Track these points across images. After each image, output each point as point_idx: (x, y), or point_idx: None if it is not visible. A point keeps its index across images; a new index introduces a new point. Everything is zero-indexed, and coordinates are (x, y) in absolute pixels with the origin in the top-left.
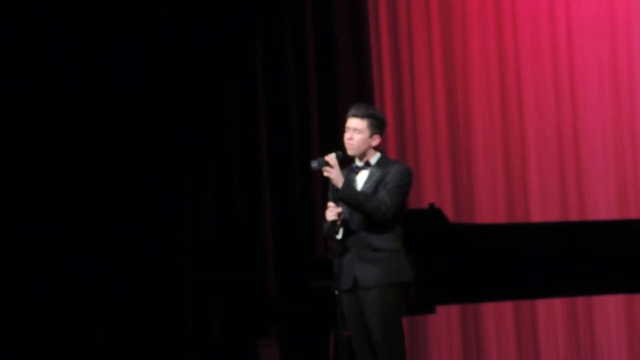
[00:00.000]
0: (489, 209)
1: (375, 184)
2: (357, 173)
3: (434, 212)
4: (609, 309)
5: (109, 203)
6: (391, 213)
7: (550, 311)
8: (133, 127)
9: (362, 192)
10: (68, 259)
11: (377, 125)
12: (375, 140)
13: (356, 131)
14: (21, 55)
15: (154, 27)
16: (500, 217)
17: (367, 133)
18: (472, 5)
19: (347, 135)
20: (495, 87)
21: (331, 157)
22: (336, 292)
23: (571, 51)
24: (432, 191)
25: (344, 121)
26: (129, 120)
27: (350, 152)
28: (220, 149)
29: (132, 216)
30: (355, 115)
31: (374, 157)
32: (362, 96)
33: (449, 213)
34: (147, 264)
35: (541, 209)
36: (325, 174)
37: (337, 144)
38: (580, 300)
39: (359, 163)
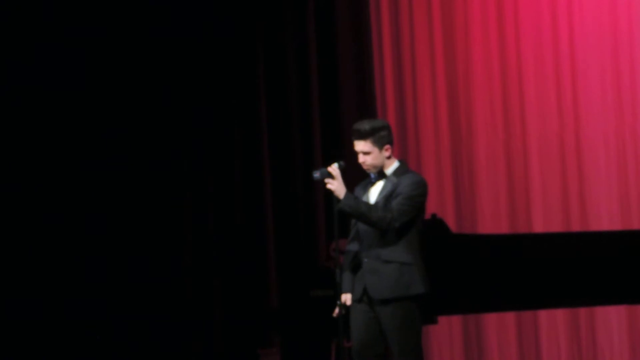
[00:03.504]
0: (491, 218)
1: (387, 195)
2: (373, 184)
3: (436, 223)
4: (611, 318)
5: (110, 210)
6: (398, 223)
7: (553, 320)
8: (133, 132)
9: (365, 203)
10: (67, 263)
11: (382, 137)
12: (387, 151)
13: (365, 153)
14: (21, 55)
15: (154, 30)
16: (502, 226)
17: (375, 150)
18: (474, 14)
19: (360, 160)
20: (498, 96)
21: (333, 168)
22: (338, 303)
23: (573, 59)
24: (434, 201)
25: (347, 132)
26: (128, 124)
27: (369, 172)
28: (222, 158)
29: (134, 223)
30: (358, 138)
31: (391, 167)
32: (364, 103)
33: (451, 223)
34: (149, 272)
35: (543, 218)
36: (328, 186)
37: (339, 151)
38: (582, 311)
39: (375, 174)
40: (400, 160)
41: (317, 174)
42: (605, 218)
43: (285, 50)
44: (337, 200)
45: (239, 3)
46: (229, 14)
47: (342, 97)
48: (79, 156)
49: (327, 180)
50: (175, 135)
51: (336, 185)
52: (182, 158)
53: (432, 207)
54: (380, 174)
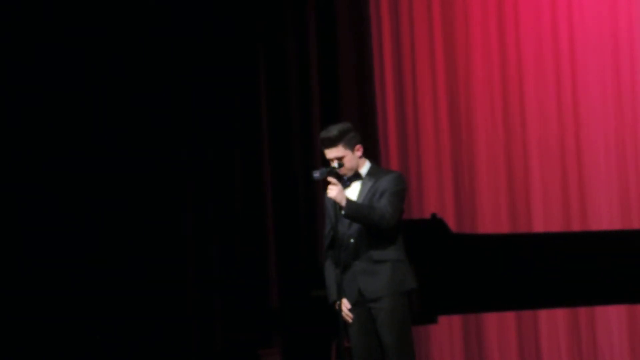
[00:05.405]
0: (491, 219)
1: (370, 195)
2: (348, 186)
3: (436, 222)
4: (611, 319)
5: (110, 210)
6: (395, 220)
7: (553, 321)
8: (133, 134)
9: (364, 205)
10: (67, 263)
11: (351, 138)
12: (359, 151)
13: (339, 159)
14: (21, 55)
15: (154, 30)
16: (502, 226)
17: (348, 152)
18: (474, 16)
19: (334, 165)
20: (498, 97)
21: (333, 180)
22: (337, 304)
23: (573, 60)
24: (435, 201)
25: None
26: (128, 127)
27: (345, 176)
28: (222, 158)
29: (135, 223)
30: (329, 146)
31: (364, 167)
32: (364, 103)
33: (451, 222)
34: (149, 272)
35: (544, 219)
36: (329, 194)
37: None
38: (582, 310)
39: (349, 175)
40: (369, 159)
41: (317, 174)
42: (605, 218)
43: (285, 50)
44: (340, 207)
45: (239, 3)
46: (229, 14)
47: (342, 97)
48: (79, 157)
49: (329, 188)
50: (175, 137)
51: (337, 192)
52: (182, 158)
53: (432, 207)
54: (355, 175)
